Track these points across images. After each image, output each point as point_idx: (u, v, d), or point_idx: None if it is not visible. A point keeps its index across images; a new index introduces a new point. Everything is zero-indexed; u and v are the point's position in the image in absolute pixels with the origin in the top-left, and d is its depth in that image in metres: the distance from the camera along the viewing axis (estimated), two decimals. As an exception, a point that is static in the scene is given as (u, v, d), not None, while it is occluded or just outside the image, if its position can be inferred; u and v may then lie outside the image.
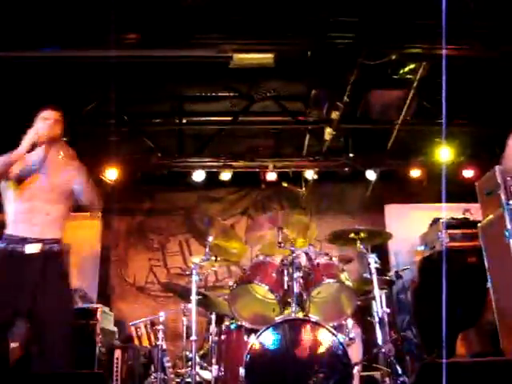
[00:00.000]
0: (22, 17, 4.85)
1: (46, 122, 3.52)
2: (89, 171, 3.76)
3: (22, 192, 3.40)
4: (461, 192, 6.03)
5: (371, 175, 7.47)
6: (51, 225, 3.46)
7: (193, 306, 4.48)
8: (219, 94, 6.63)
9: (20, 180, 3.41)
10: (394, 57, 5.56)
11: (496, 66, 5.77)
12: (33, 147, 3.39)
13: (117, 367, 5.47)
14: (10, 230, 3.41)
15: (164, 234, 8.09)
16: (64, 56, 5.29)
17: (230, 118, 6.90)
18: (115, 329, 6.52)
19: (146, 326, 5.92)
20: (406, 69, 5.91)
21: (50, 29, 4.98)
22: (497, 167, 4.74)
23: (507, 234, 4.46)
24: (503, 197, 4.62)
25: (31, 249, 3.30)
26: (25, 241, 3.32)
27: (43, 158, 3.47)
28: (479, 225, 5.11)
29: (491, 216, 4.85)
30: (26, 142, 3.37)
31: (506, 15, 4.96)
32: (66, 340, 3.27)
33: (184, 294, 5.15)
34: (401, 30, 5.28)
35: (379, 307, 4.48)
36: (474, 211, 6.26)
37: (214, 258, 5.15)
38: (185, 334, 5.32)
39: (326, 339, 3.84)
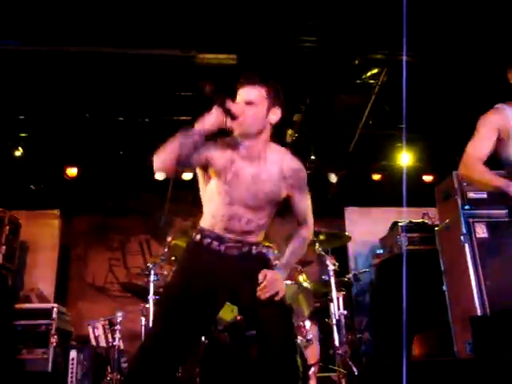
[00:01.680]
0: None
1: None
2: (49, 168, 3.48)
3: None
4: (420, 196, 6.13)
5: (333, 178, 7.54)
6: None
7: (150, 305, 4.46)
8: (182, 94, 6.59)
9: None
10: (356, 62, 5.64)
11: (456, 73, 5.89)
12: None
13: (72, 368, 5.39)
14: None
15: (124, 233, 8.01)
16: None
17: (190, 118, 6.86)
18: (72, 329, 6.42)
19: (103, 326, 5.85)
20: (369, 74, 5.98)
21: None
22: (454, 173, 4.83)
23: (462, 238, 4.55)
24: (459, 202, 4.72)
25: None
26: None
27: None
28: (436, 229, 5.20)
29: (448, 220, 4.95)
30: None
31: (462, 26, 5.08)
32: None
33: (143, 295, 5.11)
34: (364, 36, 5.36)
35: (337, 309, 4.53)
36: (433, 215, 6.39)
37: (173, 258, 5.13)
38: (143, 335, 5.28)
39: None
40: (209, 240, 2.76)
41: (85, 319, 6.76)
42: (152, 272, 4.54)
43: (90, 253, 7.88)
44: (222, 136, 2.83)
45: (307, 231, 3.05)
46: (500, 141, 3.14)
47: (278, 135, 7.11)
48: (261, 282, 2.65)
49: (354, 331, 5.07)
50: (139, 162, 7.43)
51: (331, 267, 4.57)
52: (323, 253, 4.72)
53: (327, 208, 7.84)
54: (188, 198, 7.98)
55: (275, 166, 2.81)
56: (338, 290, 4.69)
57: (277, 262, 2.94)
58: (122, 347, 5.23)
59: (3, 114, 6.44)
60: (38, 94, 6.12)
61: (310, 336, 4.40)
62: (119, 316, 5.20)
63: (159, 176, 7.33)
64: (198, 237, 2.80)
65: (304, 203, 3.01)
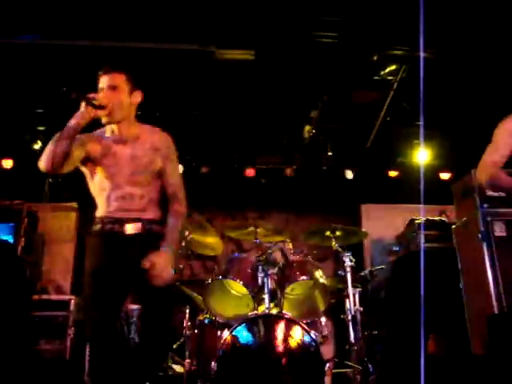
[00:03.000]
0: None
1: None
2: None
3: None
4: (437, 194, 6.09)
5: (349, 174, 7.53)
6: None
7: (167, 299, 4.47)
8: (200, 89, 6.59)
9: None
10: (375, 58, 5.61)
11: (475, 71, 5.84)
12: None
13: (89, 360, 5.44)
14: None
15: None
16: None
17: (209, 113, 6.88)
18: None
19: (120, 318, 5.88)
20: (387, 70, 5.95)
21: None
22: (473, 170, 4.80)
23: (480, 236, 4.52)
24: (478, 200, 4.69)
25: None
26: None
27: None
28: (453, 226, 5.17)
29: (465, 218, 4.92)
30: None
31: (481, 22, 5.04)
32: None
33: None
34: (382, 32, 5.32)
35: (352, 305, 4.53)
36: (450, 213, 6.35)
37: (190, 253, 5.16)
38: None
39: (298, 336, 3.87)
40: (110, 226, 2.97)
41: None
42: (169, 265, 4.55)
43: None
44: (95, 129, 3.13)
45: (180, 206, 3.18)
46: None
47: (295, 131, 7.20)
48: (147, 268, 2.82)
49: (369, 328, 5.05)
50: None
51: (348, 263, 4.56)
52: (340, 249, 4.71)
53: (343, 204, 7.83)
54: (202, 192, 8.03)
55: (147, 142, 3.09)
56: (354, 286, 4.69)
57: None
58: (137, 340, 5.25)
59: (22, 108, 6.50)
60: (57, 87, 6.15)
61: (325, 332, 4.40)
62: (135, 309, 5.22)
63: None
64: (99, 226, 3.00)
65: (175, 175, 3.21)
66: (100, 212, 3.04)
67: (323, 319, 4.48)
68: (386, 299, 6.20)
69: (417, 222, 6.46)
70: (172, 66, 5.76)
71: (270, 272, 4.28)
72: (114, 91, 3.00)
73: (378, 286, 6.18)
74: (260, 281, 4.27)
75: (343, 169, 7.48)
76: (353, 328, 4.40)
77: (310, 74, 5.91)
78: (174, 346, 5.03)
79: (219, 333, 4.23)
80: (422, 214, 6.38)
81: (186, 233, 4.80)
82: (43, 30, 5.17)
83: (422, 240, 6.10)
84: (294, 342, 3.86)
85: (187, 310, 5.14)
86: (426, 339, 4.86)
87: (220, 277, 4.41)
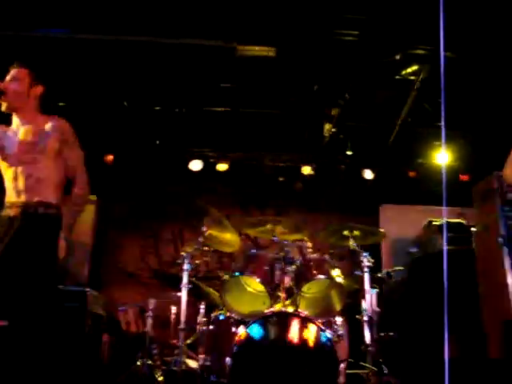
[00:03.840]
0: None
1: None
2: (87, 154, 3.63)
3: None
4: (456, 195, 6.03)
5: (368, 174, 7.50)
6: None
7: (183, 294, 4.49)
8: (220, 85, 6.59)
9: None
10: (397, 57, 5.57)
11: (497, 71, 5.78)
12: None
13: (103, 351, 5.46)
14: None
15: (158, 221, 8.06)
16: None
17: (230, 110, 6.88)
18: (104, 313, 6.49)
19: (134, 312, 5.91)
20: (409, 70, 5.90)
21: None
22: (495, 173, 4.74)
23: (501, 239, 4.47)
24: (499, 203, 4.64)
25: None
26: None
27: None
28: (473, 229, 5.12)
29: (485, 221, 4.87)
30: None
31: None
32: None
33: (174, 283, 5.14)
34: (406, 31, 5.29)
35: (369, 305, 4.49)
36: (469, 215, 6.28)
37: (206, 248, 5.16)
38: (173, 322, 5.32)
39: (314, 334, 3.85)
40: (6, 210, 3.26)
41: (116, 304, 6.83)
42: (186, 261, 4.55)
43: (124, 239, 7.95)
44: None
45: (79, 189, 3.46)
46: None
47: (315, 129, 7.19)
48: None
49: (385, 329, 5.02)
50: (175, 151, 7.50)
51: (365, 263, 4.53)
52: (357, 248, 4.68)
53: (362, 204, 7.79)
54: (222, 188, 8.03)
55: (41, 127, 3.38)
56: (371, 286, 4.65)
57: None
58: (152, 334, 5.27)
59: (43, 101, 6.53)
60: (78, 81, 6.19)
61: (340, 331, 4.38)
62: (151, 303, 5.24)
63: (194, 166, 7.40)
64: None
65: (73, 159, 3.46)
66: (6, 198, 3.34)
67: (339, 319, 4.45)
68: (402, 301, 6.16)
69: (435, 223, 6.41)
70: (194, 61, 5.77)
71: (287, 270, 4.26)
72: (13, 81, 3.39)
73: (395, 288, 6.14)
74: (277, 278, 4.26)
75: (363, 168, 7.45)
76: (369, 329, 4.36)
77: (332, 71, 5.89)
78: (188, 341, 5.04)
79: (234, 329, 4.22)
80: (439, 215, 6.33)
81: (204, 228, 4.80)
82: (69, 25, 5.20)
83: (442, 242, 6.05)
84: (309, 341, 3.84)
85: (202, 306, 5.16)
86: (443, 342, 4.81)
87: (237, 273, 4.40)
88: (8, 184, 3.32)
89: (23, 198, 3.25)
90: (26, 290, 3.07)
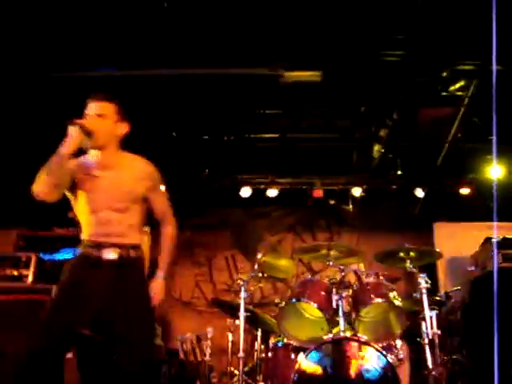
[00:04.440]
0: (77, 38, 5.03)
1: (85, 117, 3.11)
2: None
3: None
4: (512, 210, 5.89)
5: (420, 193, 7.41)
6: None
7: (241, 322, 4.49)
8: (267, 112, 6.65)
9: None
10: (444, 74, 5.52)
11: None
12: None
13: (164, 382, 5.50)
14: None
15: (211, 249, 8.14)
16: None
17: (277, 135, 6.94)
18: (161, 343, 6.57)
19: (192, 341, 5.96)
20: (457, 85, 5.84)
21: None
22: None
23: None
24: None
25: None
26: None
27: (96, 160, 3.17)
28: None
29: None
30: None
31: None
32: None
33: (230, 310, 5.17)
34: (452, 47, 5.24)
35: (429, 328, 4.40)
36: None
37: (260, 275, 5.17)
38: (230, 350, 5.34)
39: (375, 359, 3.79)
40: (89, 249, 3.05)
41: (173, 334, 6.91)
42: (243, 288, 4.57)
43: (177, 268, 8.04)
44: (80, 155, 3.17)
45: (172, 228, 3.41)
46: None
47: (363, 150, 7.16)
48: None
49: (446, 352, 4.90)
50: (225, 178, 7.58)
51: (423, 285, 4.44)
52: (414, 270, 4.60)
53: (415, 223, 7.69)
54: (273, 213, 8.06)
55: (129, 170, 3.18)
56: (430, 308, 4.56)
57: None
58: (210, 363, 5.30)
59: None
60: (128, 112, 6.34)
61: (401, 355, 4.30)
62: (209, 331, 5.28)
63: (244, 193, 7.45)
64: (80, 249, 3.09)
65: (162, 201, 3.37)
66: (83, 235, 3.14)
67: (399, 342, 4.38)
68: (463, 322, 6.00)
69: (493, 240, 6.26)
70: (240, 88, 5.86)
71: (344, 295, 4.23)
72: (101, 118, 3.08)
73: (454, 308, 6.00)
74: (334, 304, 4.22)
75: (414, 187, 7.37)
76: (430, 352, 4.27)
77: (379, 92, 5.88)
78: (246, 369, 5.04)
79: (293, 356, 4.20)
80: (496, 232, 6.17)
81: (259, 255, 4.82)
82: (116, 62, 5.36)
83: (498, 259, 5.89)
84: (370, 366, 3.78)
85: (259, 333, 5.15)
86: (509, 366, 4.67)
87: (294, 300, 4.39)
88: (91, 226, 3.10)
89: (114, 240, 3.07)
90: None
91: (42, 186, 2.92)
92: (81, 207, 3.14)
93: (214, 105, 6.40)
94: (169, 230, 3.40)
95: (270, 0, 4.80)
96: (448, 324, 5.58)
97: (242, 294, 4.55)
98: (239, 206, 7.94)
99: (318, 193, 7.46)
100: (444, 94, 6.01)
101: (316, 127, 6.88)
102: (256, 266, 4.80)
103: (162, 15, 4.84)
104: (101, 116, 3.07)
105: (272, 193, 7.58)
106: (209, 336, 5.26)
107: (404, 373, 4.44)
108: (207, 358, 5.17)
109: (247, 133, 6.92)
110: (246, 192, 7.51)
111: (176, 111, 6.43)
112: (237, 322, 4.60)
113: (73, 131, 2.92)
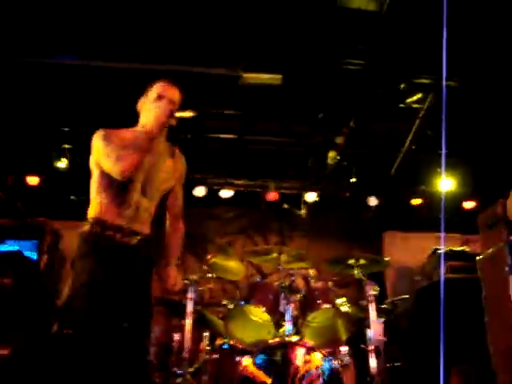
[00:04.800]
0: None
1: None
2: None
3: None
4: (461, 223, 6.02)
5: (372, 201, 7.49)
6: None
7: (187, 322, 4.45)
8: (225, 112, 6.61)
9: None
10: (402, 86, 5.61)
11: (501, 99, 5.81)
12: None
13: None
14: None
15: (160, 248, 8.03)
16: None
17: (234, 137, 6.90)
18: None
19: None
20: (414, 98, 5.93)
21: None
22: (501, 201, 4.72)
23: (507, 269, 4.43)
24: (505, 231, 4.60)
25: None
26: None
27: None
28: (478, 258, 5.08)
29: (491, 250, 4.83)
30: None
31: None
32: None
33: (178, 310, 5.11)
34: (411, 60, 5.32)
35: (375, 335, 4.44)
36: (473, 243, 6.25)
37: (210, 276, 5.13)
38: (176, 350, 5.27)
39: (320, 364, 3.81)
40: (111, 232, 2.84)
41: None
42: (190, 289, 4.53)
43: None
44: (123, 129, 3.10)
45: (182, 224, 3.39)
46: None
47: (319, 156, 7.19)
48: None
49: (390, 359, 4.96)
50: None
51: (371, 292, 4.50)
52: (363, 277, 4.65)
53: (366, 231, 7.78)
54: (224, 215, 8.02)
55: (169, 160, 3.11)
56: (378, 316, 4.61)
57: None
58: (154, 362, 5.21)
59: (50, 125, 6.57)
60: (85, 107, 6.22)
61: (346, 361, 4.33)
62: (154, 330, 5.20)
63: (198, 192, 7.39)
64: (99, 228, 2.84)
65: (180, 197, 3.33)
66: (101, 214, 2.88)
67: (344, 348, 4.41)
68: (408, 331, 6.10)
69: (440, 251, 6.38)
70: (198, 87, 5.80)
71: (292, 299, 4.24)
72: (170, 105, 2.97)
73: (401, 317, 6.09)
74: (282, 308, 4.23)
75: (367, 195, 7.45)
76: (374, 358, 4.31)
77: (337, 100, 5.92)
78: (191, 370, 4.98)
79: (238, 358, 4.18)
80: (444, 242, 6.29)
81: (209, 256, 4.79)
82: (79, 51, 5.24)
83: (444, 270, 6.00)
84: (315, 371, 3.80)
85: (206, 334, 5.10)
86: (448, 374, 4.76)
87: (242, 302, 4.37)
88: (115, 206, 2.87)
89: (136, 227, 2.92)
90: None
91: (132, 165, 2.78)
92: (105, 183, 2.90)
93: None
94: (181, 225, 3.38)
95: (233, 1, 4.78)
96: (393, 332, 5.65)
97: (190, 294, 4.50)
98: (192, 206, 7.85)
99: (274, 196, 7.45)
100: (401, 105, 6.09)
101: (273, 131, 6.88)
102: (205, 267, 4.76)
103: (125, 8, 4.77)
104: (172, 103, 2.99)
105: (226, 194, 7.54)
106: (153, 335, 5.17)
107: (349, 379, 4.47)
108: (151, 357, 5.07)
109: (204, 132, 6.86)
110: (200, 192, 7.45)
111: (134, 105, 6.32)
112: (183, 321, 4.55)
113: (173, 121, 2.91)
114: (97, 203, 2.90)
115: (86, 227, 2.87)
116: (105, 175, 2.89)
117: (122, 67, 5.39)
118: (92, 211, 2.91)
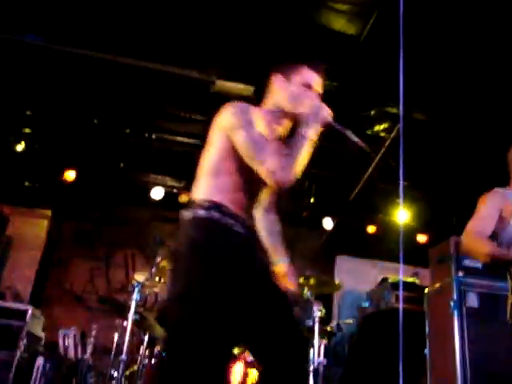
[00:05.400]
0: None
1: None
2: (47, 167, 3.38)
3: None
4: (412, 254, 6.07)
5: (328, 223, 7.52)
6: None
7: (128, 324, 4.33)
8: (192, 117, 6.54)
9: None
10: (372, 113, 5.66)
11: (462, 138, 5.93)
12: None
13: (36, 376, 5.20)
14: None
15: (111, 245, 7.88)
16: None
17: (199, 142, 6.84)
18: (42, 334, 6.23)
19: (75, 337, 5.70)
20: (381, 127, 5.99)
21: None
22: (452, 238, 4.80)
23: (452, 305, 4.48)
24: (454, 268, 4.67)
25: None
26: None
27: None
28: (426, 291, 5.13)
29: (439, 284, 4.89)
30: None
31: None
32: None
33: (121, 311, 4.99)
34: (383, 88, 5.38)
35: (316, 357, 4.42)
36: (423, 276, 6.33)
37: (157, 279, 5.03)
38: (114, 352, 5.14)
39: (256, 379, 3.77)
40: (231, 221, 2.35)
41: (57, 326, 6.59)
42: (136, 290, 4.42)
43: (74, 259, 7.74)
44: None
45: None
46: (502, 220, 3.10)
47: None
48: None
49: (329, 381, 4.95)
50: (137, 176, 7.39)
51: (317, 313, 4.48)
52: (310, 298, 4.63)
53: (319, 253, 7.79)
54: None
55: None
56: (320, 337, 4.59)
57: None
58: (91, 362, 5.08)
59: (10, 107, 6.38)
60: (49, 91, 6.07)
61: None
62: (94, 329, 5.07)
63: (155, 194, 7.29)
64: (216, 214, 2.32)
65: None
66: (216, 196, 2.37)
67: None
68: (349, 355, 6.11)
69: (390, 280, 6.43)
70: (169, 88, 5.74)
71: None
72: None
73: (343, 340, 6.10)
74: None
75: (323, 217, 7.48)
76: (313, 380, 4.29)
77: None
78: (127, 373, 4.87)
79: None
80: (394, 272, 6.36)
81: (158, 259, 4.70)
82: (47, 33, 5.12)
83: (392, 300, 6.05)
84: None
85: (145, 338, 4.99)
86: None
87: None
88: (236, 191, 2.41)
89: (248, 221, 2.47)
90: None
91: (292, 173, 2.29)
92: (231, 164, 2.39)
93: (142, 99, 6.23)
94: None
95: (210, 9, 4.76)
96: (335, 355, 5.65)
97: (135, 296, 4.40)
98: (148, 207, 7.75)
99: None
100: (369, 132, 6.14)
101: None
102: (154, 270, 4.67)
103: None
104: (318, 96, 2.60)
105: (184, 198, 7.46)
106: (93, 334, 5.05)
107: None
108: (87, 356, 4.95)
109: (169, 134, 6.78)
110: (157, 193, 7.35)
111: (101, 97, 6.20)
112: (125, 323, 4.43)
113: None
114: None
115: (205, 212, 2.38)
116: None
117: (88, 54, 5.28)
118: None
